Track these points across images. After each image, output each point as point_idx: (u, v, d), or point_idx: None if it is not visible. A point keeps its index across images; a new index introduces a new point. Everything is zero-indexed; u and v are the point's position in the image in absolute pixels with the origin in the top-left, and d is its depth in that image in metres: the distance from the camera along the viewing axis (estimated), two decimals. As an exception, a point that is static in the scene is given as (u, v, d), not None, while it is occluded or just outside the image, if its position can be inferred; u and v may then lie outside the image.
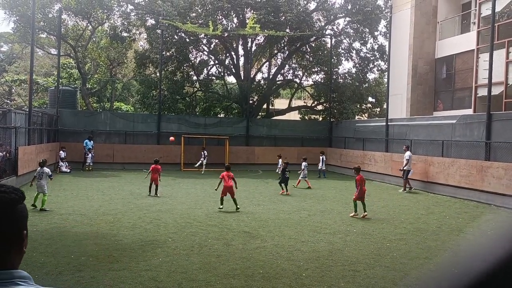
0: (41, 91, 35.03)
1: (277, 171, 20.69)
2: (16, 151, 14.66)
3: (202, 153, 21.95)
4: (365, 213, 11.20)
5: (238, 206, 11.74)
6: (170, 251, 7.58)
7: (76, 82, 32.82)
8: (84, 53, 28.63)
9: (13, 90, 39.84)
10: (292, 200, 14.03)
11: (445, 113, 19.96)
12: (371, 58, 28.78)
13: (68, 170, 20.12)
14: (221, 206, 11.77)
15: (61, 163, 20.29)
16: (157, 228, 9.34)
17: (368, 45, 28.58)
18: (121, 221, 9.91)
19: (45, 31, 27.15)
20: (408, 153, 16.90)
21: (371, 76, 30.45)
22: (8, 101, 36.06)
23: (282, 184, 15.24)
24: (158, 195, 13.81)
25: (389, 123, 21.11)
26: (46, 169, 11.37)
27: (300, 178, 17.12)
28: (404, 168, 16.75)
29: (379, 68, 29.47)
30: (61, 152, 20.55)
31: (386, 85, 24.35)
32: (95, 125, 23.15)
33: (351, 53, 28.77)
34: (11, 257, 1.25)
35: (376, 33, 28.11)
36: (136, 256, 7.20)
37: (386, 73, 24.34)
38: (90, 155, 21.07)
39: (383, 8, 27.23)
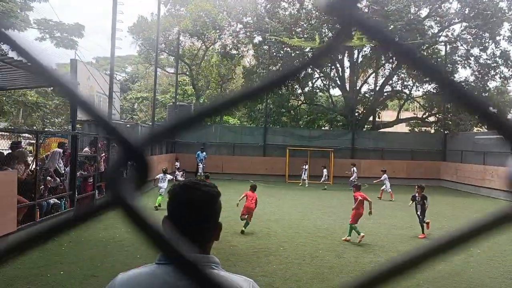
0: (159, 106, 38.43)
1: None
2: (141, 160, 16.25)
3: (303, 167, 21.88)
4: (349, 237, 9.56)
5: (244, 229, 9.97)
6: (283, 259, 7.73)
7: (190, 97, 35.40)
8: (198, 71, 30.95)
9: (135, 106, 44.35)
10: (404, 215, 13.33)
11: None
12: (492, 65, 26.21)
13: (183, 179, 21.69)
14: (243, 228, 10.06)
15: (177, 172, 21.96)
16: (268, 237, 9.61)
17: (489, 51, 26.09)
18: (234, 228, 10.36)
19: (165, 52, 29.95)
20: None
21: (492, 84, 27.73)
22: (134, 116, 40.33)
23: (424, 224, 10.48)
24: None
25: (515, 136, 19.02)
26: (169, 176, 12.95)
27: (389, 190, 17.36)
28: None
29: (502, 75, 26.70)
30: (176, 163, 22.27)
31: (510, 94, 22.05)
32: (206, 137, 24.66)
33: (468, 60, 26.56)
34: (210, 244, 1.41)
35: (498, 38, 25.56)
36: (251, 262, 7.49)
37: (511, 80, 22.04)
38: (201, 165, 22.49)
39: (506, 11, 24.75)
